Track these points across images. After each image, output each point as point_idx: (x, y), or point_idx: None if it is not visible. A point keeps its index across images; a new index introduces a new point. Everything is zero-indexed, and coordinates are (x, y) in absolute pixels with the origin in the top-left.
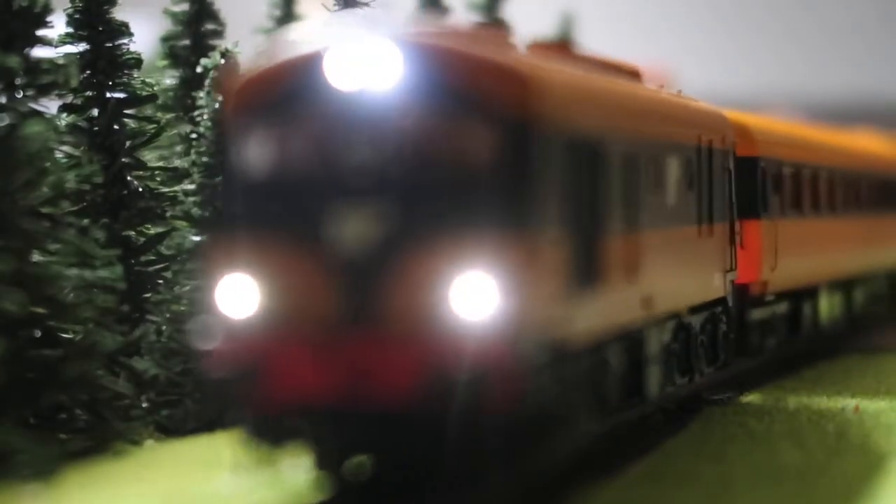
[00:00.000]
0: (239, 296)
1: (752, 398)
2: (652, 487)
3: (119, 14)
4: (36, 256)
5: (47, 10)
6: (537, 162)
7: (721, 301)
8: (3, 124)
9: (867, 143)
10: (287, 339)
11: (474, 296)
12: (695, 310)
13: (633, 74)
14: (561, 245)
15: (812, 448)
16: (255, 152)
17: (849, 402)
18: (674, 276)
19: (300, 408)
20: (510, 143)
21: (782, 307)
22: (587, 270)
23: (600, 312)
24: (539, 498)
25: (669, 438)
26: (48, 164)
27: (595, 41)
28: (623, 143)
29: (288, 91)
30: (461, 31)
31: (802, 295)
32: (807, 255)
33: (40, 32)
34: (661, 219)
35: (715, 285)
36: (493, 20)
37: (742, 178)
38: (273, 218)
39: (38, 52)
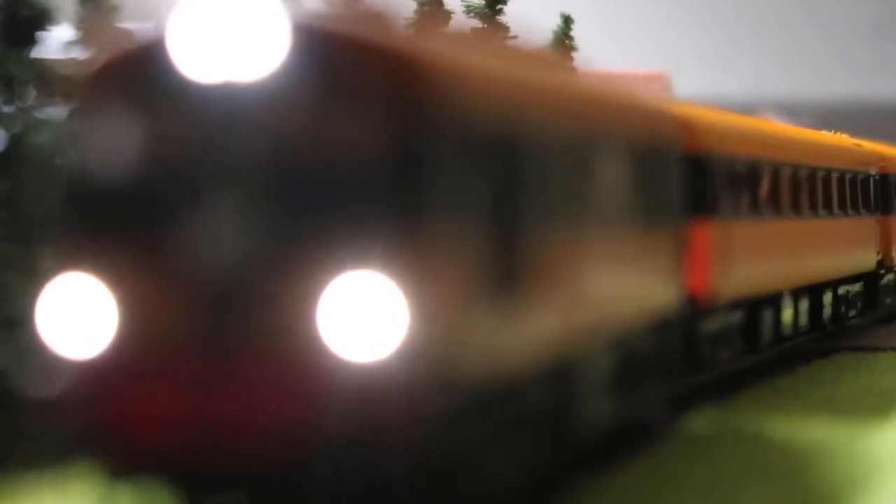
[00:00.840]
0: (79, 324)
1: (745, 399)
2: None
3: None
4: None
5: None
6: (426, 158)
7: (672, 313)
8: None
9: (837, 140)
10: (129, 378)
11: (359, 321)
12: (640, 326)
13: (566, 67)
14: (465, 261)
15: (803, 447)
16: (99, 145)
17: (844, 402)
18: (612, 291)
19: (147, 469)
20: (393, 136)
21: (737, 317)
22: (501, 289)
23: (521, 339)
24: None
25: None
26: None
27: (595, 42)
28: (540, 139)
29: (137, 78)
30: (350, 11)
31: (763, 303)
32: (765, 259)
33: None
34: (596, 224)
35: (662, 297)
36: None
37: (690, 177)
38: (113, 227)
39: None
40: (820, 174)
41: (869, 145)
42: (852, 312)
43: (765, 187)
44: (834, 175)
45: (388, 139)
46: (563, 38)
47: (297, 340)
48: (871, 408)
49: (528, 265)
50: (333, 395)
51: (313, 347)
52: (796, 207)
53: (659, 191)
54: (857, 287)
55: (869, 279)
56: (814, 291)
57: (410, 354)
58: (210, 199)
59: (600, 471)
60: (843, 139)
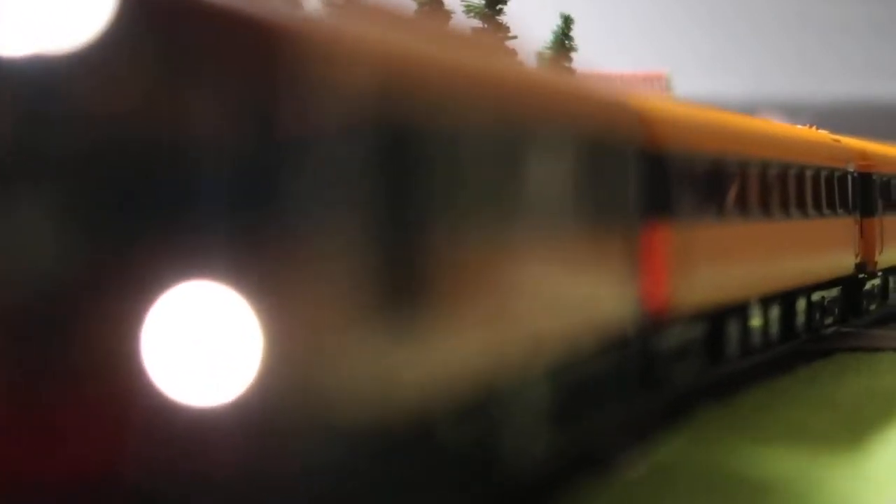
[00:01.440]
0: None
1: (745, 399)
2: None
3: None
4: None
5: None
6: (288, 144)
7: (625, 327)
8: None
9: (813, 136)
10: None
11: (196, 348)
12: (588, 344)
13: (497, 50)
14: (341, 271)
15: (803, 448)
16: None
17: (844, 402)
18: (549, 305)
19: None
20: (243, 118)
21: (698, 330)
22: (394, 306)
23: (424, 367)
24: None
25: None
26: None
27: (595, 43)
28: (456, 128)
29: None
30: None
31: (729, 314)
32: (731, 265)
33: None
34: (528, 227)
35: (610, 311)
36: (491, 22)
37: (648, 176)
38: None
39: None
40: (792, 171)
41: (850, 142)
42: (828, 320)
43: (731, 186)
44: (808, 173)
45: (237, 121)
46: (563, 39)
47: (113, 373)
48: (872, 408)
49: (436, 276)
50: (158, 448)
51: (133, 383)
52: (765, 208)
53: (612, 191)
54: (833, 292)
55: (848, 284)
56: (786, 298)
57: (265, 394)
58: (12, 196)
59: (600, 471)
60: (819, 134)
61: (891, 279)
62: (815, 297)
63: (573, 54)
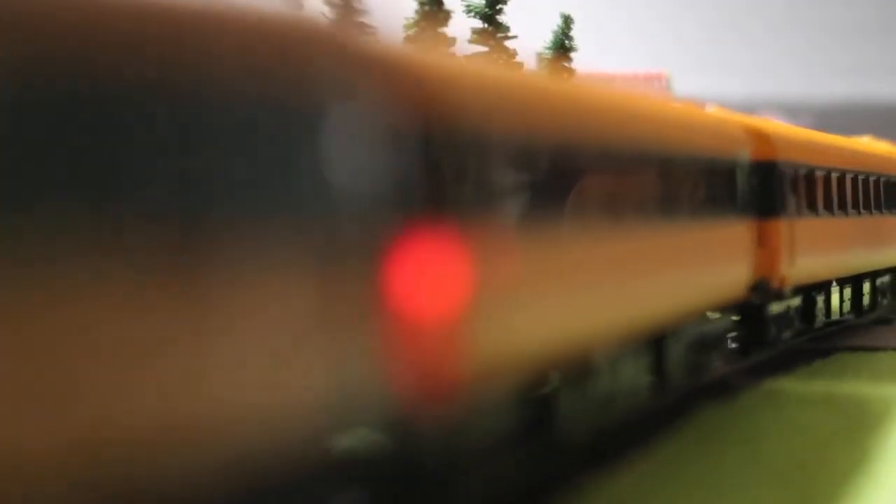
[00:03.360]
0: None
1: (745, 399)
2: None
3: None
4: None
5: None
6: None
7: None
8: None
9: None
10: None
11: None
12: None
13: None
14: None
15: (803, 447)
16: None
17: (844, 402)
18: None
19: None
20: None
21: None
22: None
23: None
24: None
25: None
26: None
27: (595, 43)
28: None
29: None
30: None
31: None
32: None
33: None
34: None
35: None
36: (492, 22)
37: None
38: None
39: None
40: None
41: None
42: (884, 301)
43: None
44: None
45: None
46: (563, 39)
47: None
48: (872, 408)
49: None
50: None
51: None
52: (843, 207)
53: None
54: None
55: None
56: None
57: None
58: None
59: (600, 471)
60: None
61: None
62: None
63: (573, 54)
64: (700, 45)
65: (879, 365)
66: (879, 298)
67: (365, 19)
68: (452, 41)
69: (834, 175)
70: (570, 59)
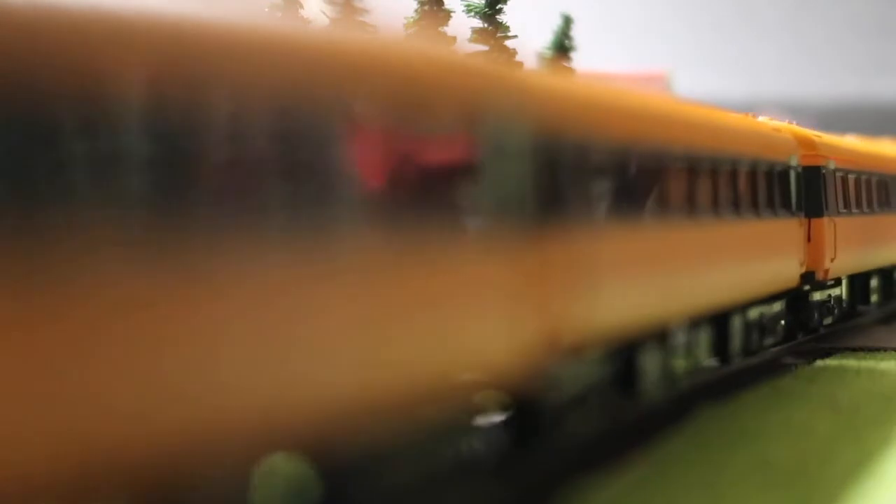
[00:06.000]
0: None
1: (745, 399)
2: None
3: None
4: None
5: None
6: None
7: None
8: None
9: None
10: None
11: None
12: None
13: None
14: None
15: (804, 447)
16: None
17: (845, 402)
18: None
19: None
20: None
21: (838, 290)
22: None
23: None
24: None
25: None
26: None
27: (594, 42)
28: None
29: None
30: None
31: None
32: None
33: None
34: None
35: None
36: (492, 22)
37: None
38: None
39: None
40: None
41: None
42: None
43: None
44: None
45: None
46: (563, 38)
47: None
48: (872, 408)
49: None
50: None
51: None
52: (871, 205)
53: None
54: None
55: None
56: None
57: None
58: None
59: (600, 471)
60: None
61: None
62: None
63: (573, 54)
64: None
65: (880, 365)
66: None
67: (365, 19)
68: (452, 41)
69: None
70: (570, 59)
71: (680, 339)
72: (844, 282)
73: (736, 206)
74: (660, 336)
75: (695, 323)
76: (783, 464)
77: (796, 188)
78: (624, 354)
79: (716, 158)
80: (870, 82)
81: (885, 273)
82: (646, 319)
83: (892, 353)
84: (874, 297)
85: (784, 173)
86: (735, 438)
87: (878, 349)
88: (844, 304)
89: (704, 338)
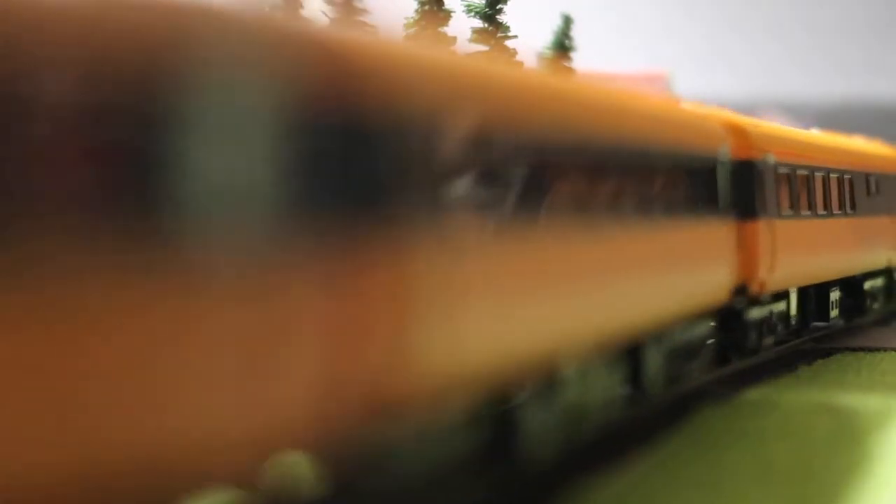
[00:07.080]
0: None
1: (745, 399)
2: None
3: None
4: None
5: None
6: None
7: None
8: None
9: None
10: None
11: None
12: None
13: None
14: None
15: (804, 448)
16: None
17: (845, 402)
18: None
19: None
20: None
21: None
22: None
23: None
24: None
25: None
26: None
27: (594, 42)
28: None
29: None
30: None
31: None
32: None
33: None
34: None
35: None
36: (492, 22)
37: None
38: None
39: None
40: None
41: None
42: (875, 304)
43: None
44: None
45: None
46: (563, 38)
47: None
48: (873, 408)
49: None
50: None
51: None
52: (828, 207)
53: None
54: (878, 282)
55: None
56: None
57: None
58: None
59: (600, 470)
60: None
61: None
62: (867, 285)
63: (573, 54)
64: (701, 45)
65: (880, 365)
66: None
67: (365, 19)
68: (452, 41)
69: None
70: (570, 59)
71: (576, 378)
72: (793, 295)
73: (645, 208)
74: (547, 379)
75: (598, 355)
76: (783, 464)
77: (724, 186)
78: (496, 409)
79: (619, 149)
80: (870, 82)
81: (850, 284)
82: (524, 357)
83: (892, 352)
84: (834, 313)
85: (709, 168)
86: (735, 438)
87: (878, 349)
88: (793, 321)
89: (610, 372)
